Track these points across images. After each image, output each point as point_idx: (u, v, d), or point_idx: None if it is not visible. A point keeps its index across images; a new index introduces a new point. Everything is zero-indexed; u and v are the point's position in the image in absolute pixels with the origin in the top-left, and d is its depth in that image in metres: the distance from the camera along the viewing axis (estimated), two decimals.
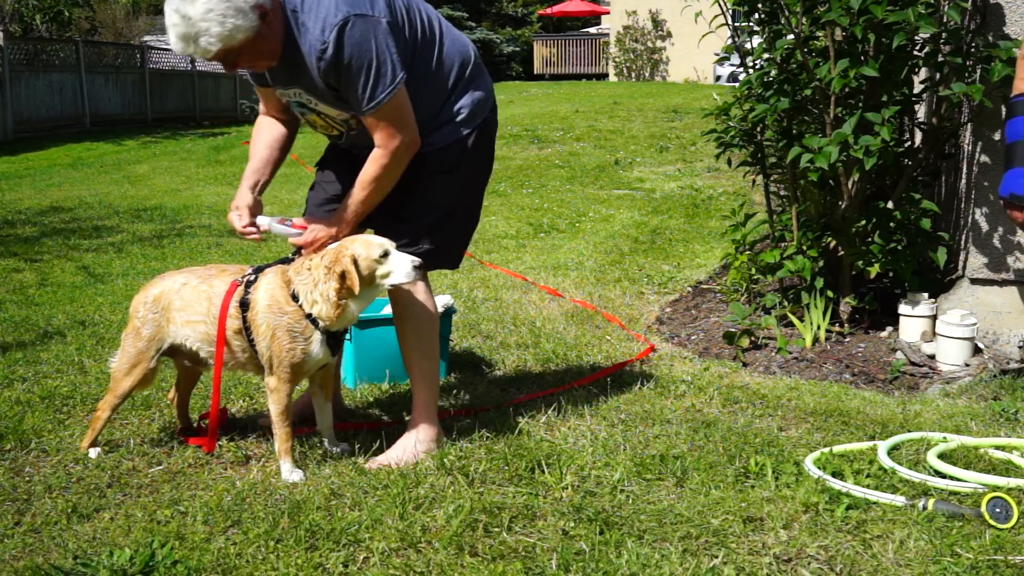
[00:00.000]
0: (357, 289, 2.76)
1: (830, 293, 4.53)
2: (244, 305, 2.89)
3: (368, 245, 2.80)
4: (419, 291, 3.07)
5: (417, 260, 2.80)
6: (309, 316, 2.84)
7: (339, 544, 2.45)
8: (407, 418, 3.20)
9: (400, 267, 2.79)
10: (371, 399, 3.69)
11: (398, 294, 3.07)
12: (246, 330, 2.90)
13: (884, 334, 4.50)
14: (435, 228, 3.06)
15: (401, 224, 3.01)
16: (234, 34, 2.63)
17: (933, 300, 4.32)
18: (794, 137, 4.56)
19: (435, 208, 3.04)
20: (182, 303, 2.98)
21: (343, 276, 2.76)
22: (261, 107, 3.14)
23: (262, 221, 2.99)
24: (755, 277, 5.01)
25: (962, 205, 4.44)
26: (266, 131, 3.10)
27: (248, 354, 2.94)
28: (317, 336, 2.86)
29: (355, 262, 2.76)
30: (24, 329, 4.68)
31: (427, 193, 3.01)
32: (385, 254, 2.79)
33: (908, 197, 4.39)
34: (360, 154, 2.94)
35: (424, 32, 2.89)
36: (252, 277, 2.93)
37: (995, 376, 3.84)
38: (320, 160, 3.27)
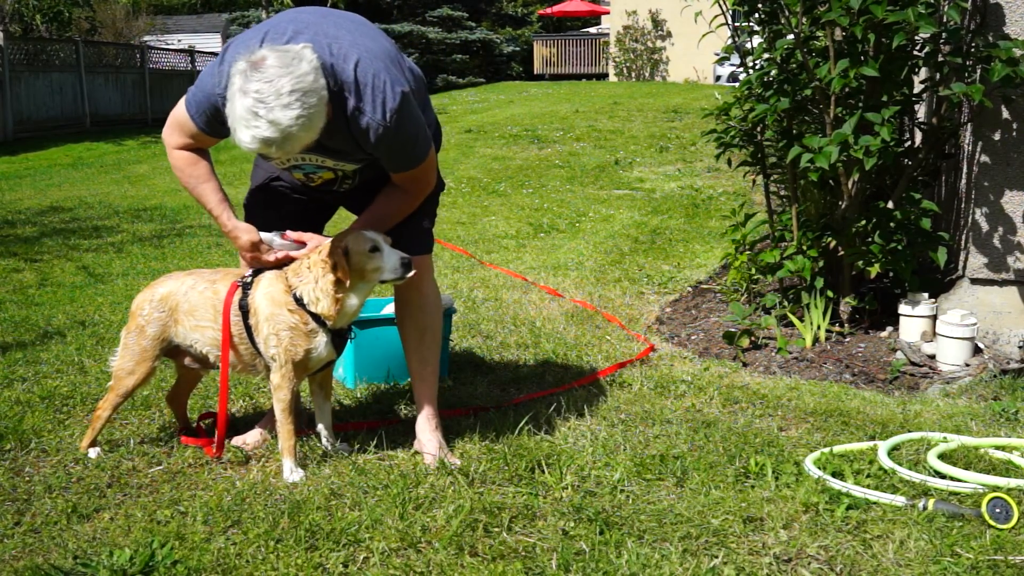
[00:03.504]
0: (347, 280, 2.80)
1: (830, 293, 4.53)
2: (244, 307, 2.91)
3: (359, 239, 2.83)
4: (427, 284, 3.17)
5: (407, 257, 2.82)
6: (315, 316, 2.86)
7: (339, 544, 2.45)
8: (407, 414, 3.20)
9: (389, 263, 2.82)
10: (371, 399, 3.69)
11: (405, 288, 3.13)
12: (248, 332, 2.91)
13: (884, 334, 4.50)
14: (430, 208, 3.19)
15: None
16: (314, 134, 2.59)
17: (933, 300, 4.32)
18: (794, 137, 4.56)
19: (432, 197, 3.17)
20: (189, 306, 2.99)
21: (335, 268, 2.80)
22: (179, 141, 2.90)
23: (264, 236, 2.98)
24: (755, 277, 5.01)
25: (962, 205, 4.44)
26: (199, 162, 2.96)
27: (254, 355, 2.97)
28: (322, 335, 2.89)
29: (346, 254, 2.80)
30: (24, 329, 4.68)
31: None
32: (375, 248, 2.81)
33: (908, 197, 4.39)
34: (328, 196, 3.16)
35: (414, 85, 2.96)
36: (249, 279, 2.95)
37: (995, 376, 3.84)
38: (256, 183, 3.22)
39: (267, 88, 2.46)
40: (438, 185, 3.14)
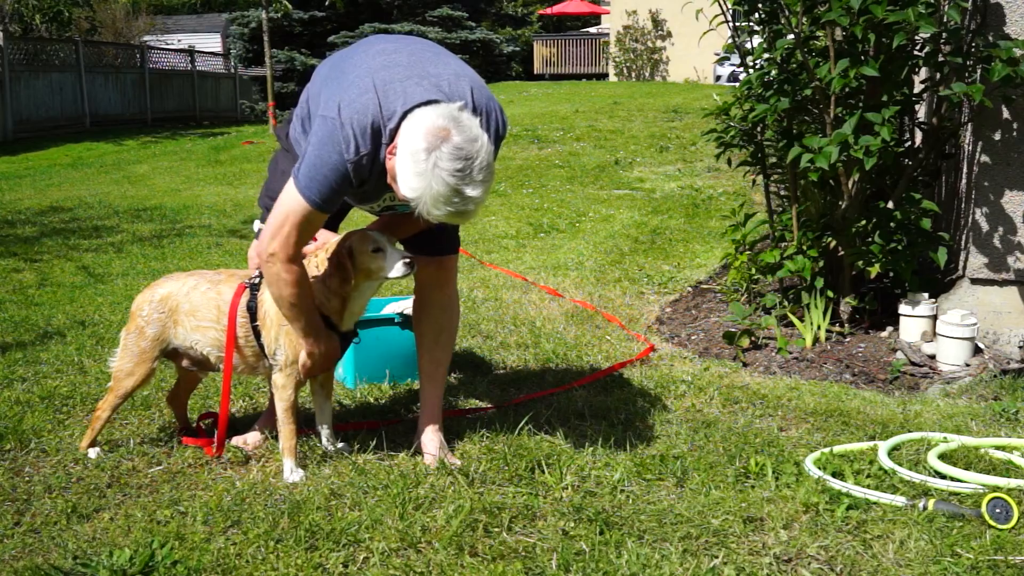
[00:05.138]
0: (351, 280, 2.80)
1: (830, 293, 4.53)
2: (251, 308, 2.92)
3: (363, 239, 2.84)
4: (451, 285, 3.18)
5: (409, 257, 2.82)
6: (323, 315, 2.87)
7: (339, 544, 2.45)
8: (411, 415, 3.20)
9: (391, 263, 2.83)
10: (371, 399, 3.69)
11: (429, 287, 3.14)
12: (255, 332, 2.92)
13: (884, 334, 4.49)
14: None
15: None
16: None
17: (933, 300, 4.32)
18: (794, 137, 4.55)
19: None
20: (190, 307, 2.98)
21: (339, 267, 2.81)
22: (291, 250, 2.65)
23: None
24: (755, 277, 5.01)
25: (962, 205, 4.44)
26: (307, 281, 2.77)
27: (258, 357, 2.97)
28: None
29: (351, 254, 2.80)
30: (24, 329, 4.67)
31: None
32: (378, 249, 2.82)
33: (908, 197, 4.39)
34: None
35: None
36: (257, 280, 2.95)
37: (995, 376, 3.84)
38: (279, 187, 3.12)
39: (468, 165, 2.44)
40: None
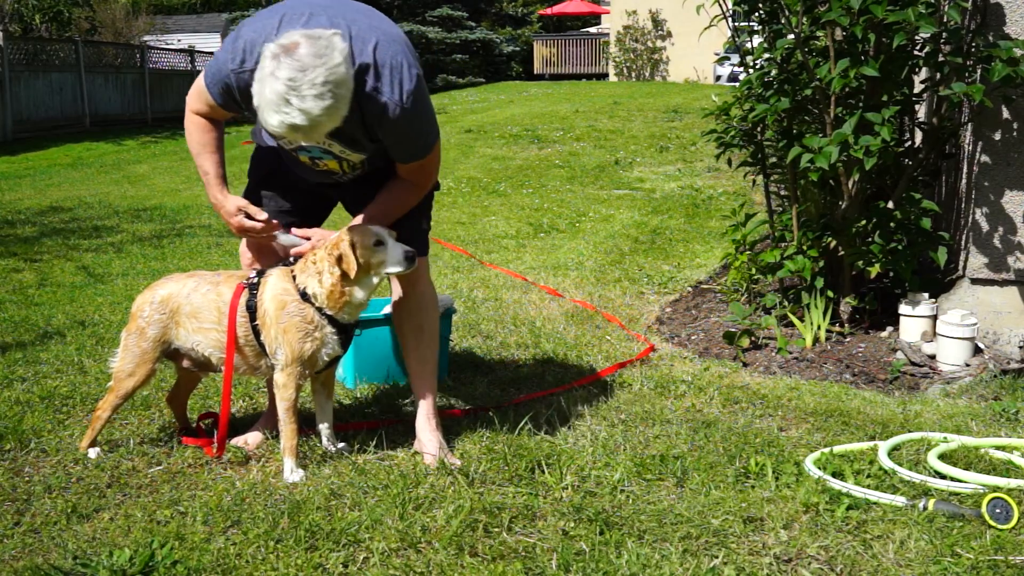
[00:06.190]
0: (353, 272, 2.81)
1: (830, 293, 4.53)
2: (251, 308, 2.92)
3: (364, 233, 2.86)
4: (424, 284, 3.19)
5: (410, 249, 2.84)
6: (321, 311, 2.88)
7: (339, 544, 2.45)
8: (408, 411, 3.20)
9: (393, 255, 2.85)
10: (371, 399, 3.69)
11: (402, 288, 3.17)
12: (255, 332, 2.92)
13: (884, 334, 4.49)
14: (427, 209, 3.23)
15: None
16: (339, 122, 2.63)
17: (933, 300, 4.32)
18: (794, 137, 4.56)
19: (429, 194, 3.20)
20: (192, 308, 2.99)
21: (340, 259, 2.82)
22: (197, 107, 2.93)
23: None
24: (755, 277, 5.01)
25: (962, 205, 4.44)
26: (210, 132, 3.00)
27: (259, 357, 2.97)
28: (329, 330, 2.91)
29: (352, 247, 2.82)
30: (24, 329, 4.67)
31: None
32: (379, 242, 2.83)
33: (908, 197, 4.39)
34: (337, 188, 3.15)
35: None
36: (255, 280, 2.95)
37: (995, 376, 3.84)
38: (255, 179, 3.27)
39: (301, 76, 2.48)
40: (434, 185, 3.14)
